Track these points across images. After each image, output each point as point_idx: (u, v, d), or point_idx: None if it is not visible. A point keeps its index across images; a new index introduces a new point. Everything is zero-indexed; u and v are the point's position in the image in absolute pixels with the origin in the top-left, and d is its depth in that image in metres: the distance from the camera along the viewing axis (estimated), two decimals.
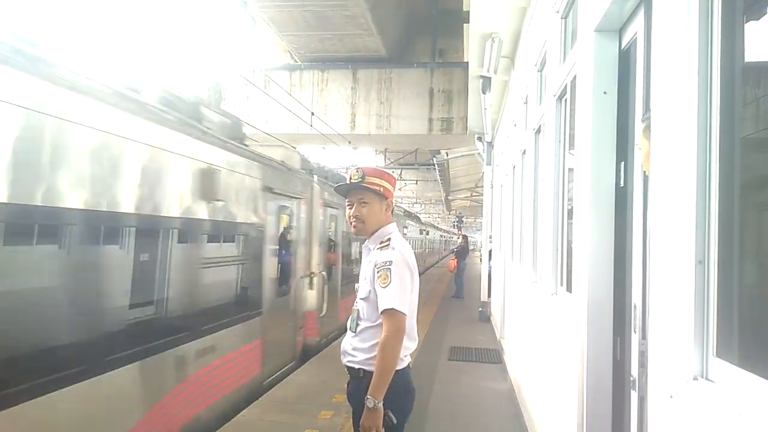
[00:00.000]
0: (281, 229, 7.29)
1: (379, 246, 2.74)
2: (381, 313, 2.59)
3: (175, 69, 15.81)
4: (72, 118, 3.42)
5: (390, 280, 2.59)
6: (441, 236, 52.38)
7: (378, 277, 2.62)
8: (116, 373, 3.78)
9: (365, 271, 2.77)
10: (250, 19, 11.53)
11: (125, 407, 3.95)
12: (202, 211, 4.95)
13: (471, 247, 24.37)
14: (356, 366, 2.70)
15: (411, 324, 2.71)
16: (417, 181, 29.38)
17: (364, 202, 2.79)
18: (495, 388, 6.71)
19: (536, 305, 4.96)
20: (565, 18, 3.91)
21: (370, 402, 2.51)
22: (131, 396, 4.00)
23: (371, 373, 2.57)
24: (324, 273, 8.63)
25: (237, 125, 6.77)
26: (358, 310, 2.75)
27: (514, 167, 7.55)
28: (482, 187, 18.56)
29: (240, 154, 5.94)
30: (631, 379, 2.31)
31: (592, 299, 2.83)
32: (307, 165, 9.02)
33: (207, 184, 4.93)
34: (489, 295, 12.04)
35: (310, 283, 8.17)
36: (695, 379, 1.63)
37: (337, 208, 9.65)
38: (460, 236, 20.44)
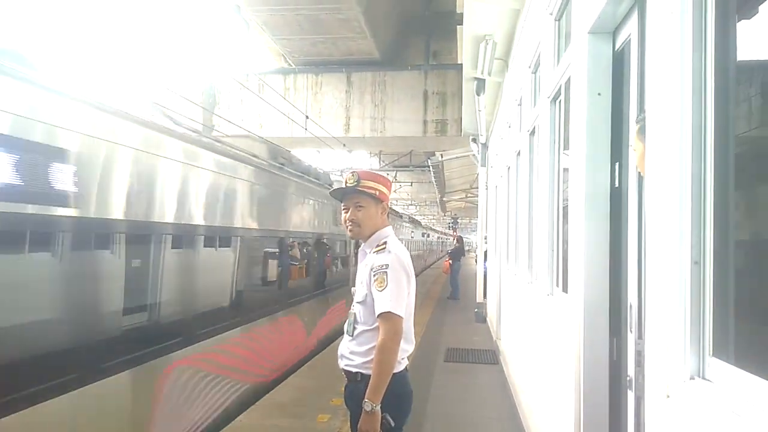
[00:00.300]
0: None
1: (375, 249, 2.74)
2: (378, 316, 2.59)
3: (170, 73, 15.75)
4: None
5: (386, 284, 2.59)
6: (438, 238, 52.42)
7: (374, 281, 2.62)
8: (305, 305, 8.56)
9: (362, 274, 2.76)
10: (243, 23, 11.54)
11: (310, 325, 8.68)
12: (336, 229, 10.10)
13: (467, 248, 24.38)
14: (353, 369, 2.70)
15: (408, 327, 2.71)
16: (412, 182, 29.40)
17: (359, 206, 2.79)
18: (491, 389, 6.71)
19: (532, 306, 4.96)
20: (559, 20, 3.93)
21: (367, 405, 2.51)
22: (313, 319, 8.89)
23: (368, 376, 2.57)
24: None
25: (327, 175, 11.17)
26: (354, 313, 2.75)
27: (508, 168, 7.57)
28: (477, 188, 18.61)
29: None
30: (628, 378, 2.31)
31: (588, 299, 2.83)
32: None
33: (334, 217, 9.90)
34: (485, 296, 12.05)
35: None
36: (692, 378, 1.63)
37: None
38: (455, 237, 20.46)
